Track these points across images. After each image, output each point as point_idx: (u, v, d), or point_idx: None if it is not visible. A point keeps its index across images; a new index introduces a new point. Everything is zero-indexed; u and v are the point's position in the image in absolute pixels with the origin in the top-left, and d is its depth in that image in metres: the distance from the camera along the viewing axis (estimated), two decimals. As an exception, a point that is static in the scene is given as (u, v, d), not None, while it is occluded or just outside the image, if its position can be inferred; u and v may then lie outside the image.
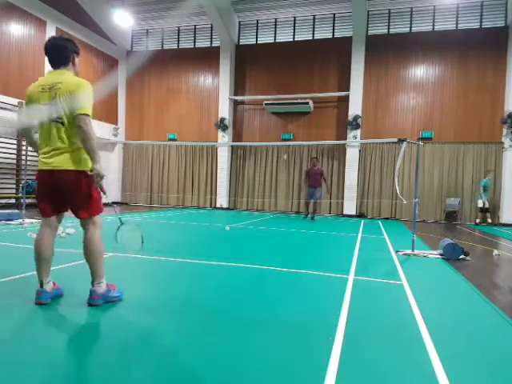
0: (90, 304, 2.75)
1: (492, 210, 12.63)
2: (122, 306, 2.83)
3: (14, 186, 12.08)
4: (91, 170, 2.74)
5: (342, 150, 14.29)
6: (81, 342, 2.23)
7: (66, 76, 2.74)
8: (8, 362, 1.89)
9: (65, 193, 2.72)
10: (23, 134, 2.92)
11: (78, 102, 2.61)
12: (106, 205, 3.48)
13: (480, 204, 12.38)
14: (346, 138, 14.04)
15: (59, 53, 2.82)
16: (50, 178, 2.70)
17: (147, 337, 2.32)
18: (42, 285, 2.76)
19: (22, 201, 8.37)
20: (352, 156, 14.01)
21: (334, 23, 14.80)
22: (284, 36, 15.35)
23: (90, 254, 2.77)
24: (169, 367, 1.92)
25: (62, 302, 2.85)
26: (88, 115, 2.64)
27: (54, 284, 2.87)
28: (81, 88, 2.67)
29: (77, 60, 2.91)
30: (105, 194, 2.95)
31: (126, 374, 1.85)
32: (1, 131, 11.66)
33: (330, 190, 13.43)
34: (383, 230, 9.47)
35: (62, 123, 2.66)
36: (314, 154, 14.36)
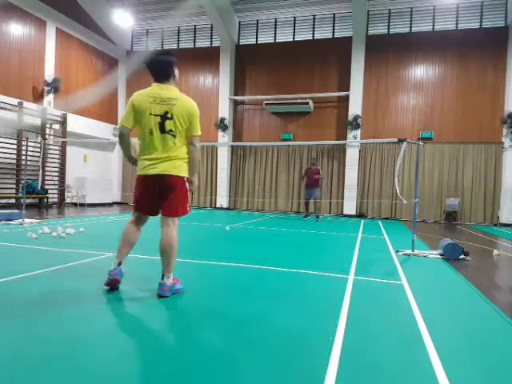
0: (160, 295, 2.99)
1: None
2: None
3: (14, 186, 12.09)
4: (188, 180, 3.14)
5: (342, 150, 14.29)
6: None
7: (177, 94, 3.06)
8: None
9: (167, 193, 3.03)
10: (121, 140, 3.18)
11: (196, 125, 3.08)
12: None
13: None
14: (346, 138, 14.04)
15: (163, 68, 3.05)
16: (156, 181, 3.01)
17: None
18: (119, 264, 3.10)
19: (21, 201, 8.37)
20: (352, 156, 14.02)
21: (334, 23, 14.81)
22: (284, 36, 15.35)
23: (167, 248, 3.00)
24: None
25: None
26: (199, 135, 3.12)
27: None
28: (195, 112, 3.08)
29: (177, 72, 3.15)
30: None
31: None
32: (1, 131, 11.67)
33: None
34: (383, 230, 9.47)
35: (174, 136, 3.00)
36: (314, 154, 14.39)
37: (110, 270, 3.08)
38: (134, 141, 3.27)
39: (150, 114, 2.98)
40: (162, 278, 3.05)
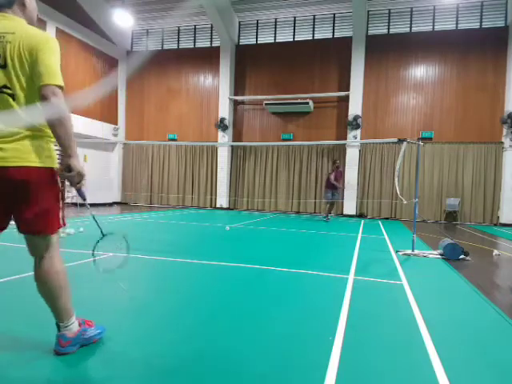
0: (58, 353, 2.01)
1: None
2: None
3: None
4: (67, 169, 1.86)
5: (342, 149, 14.29)
6: None
7: (17, 24, 1.83)
8: None
9: (18, 198, 1.85)
10: None
11: (45, 67, 1.76)
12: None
13: None
14: (345, 138, 14.04)
15: None
16: None
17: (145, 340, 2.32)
18: None
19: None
20: (352, 156, 14.02)
21: (334, 23, 14.80)
22: (284, 36, 15.35)
23: (50, 289, 1.95)
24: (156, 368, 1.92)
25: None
26: (61, 86, 1.81)
27: None
28: (46, 44, 1.80)
29: (28, 2, 1.94)
30: (85, 200, 2.18)
31: None
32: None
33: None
34: (383, 229, 9.47)
35: (12, 95, 1.78)
36: (314, 154, 14.50)
37: None
38: None
39: None
40: (59, 329, 2.03)
